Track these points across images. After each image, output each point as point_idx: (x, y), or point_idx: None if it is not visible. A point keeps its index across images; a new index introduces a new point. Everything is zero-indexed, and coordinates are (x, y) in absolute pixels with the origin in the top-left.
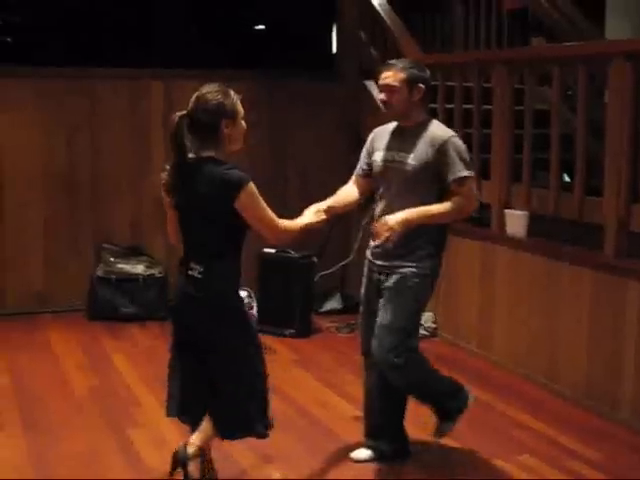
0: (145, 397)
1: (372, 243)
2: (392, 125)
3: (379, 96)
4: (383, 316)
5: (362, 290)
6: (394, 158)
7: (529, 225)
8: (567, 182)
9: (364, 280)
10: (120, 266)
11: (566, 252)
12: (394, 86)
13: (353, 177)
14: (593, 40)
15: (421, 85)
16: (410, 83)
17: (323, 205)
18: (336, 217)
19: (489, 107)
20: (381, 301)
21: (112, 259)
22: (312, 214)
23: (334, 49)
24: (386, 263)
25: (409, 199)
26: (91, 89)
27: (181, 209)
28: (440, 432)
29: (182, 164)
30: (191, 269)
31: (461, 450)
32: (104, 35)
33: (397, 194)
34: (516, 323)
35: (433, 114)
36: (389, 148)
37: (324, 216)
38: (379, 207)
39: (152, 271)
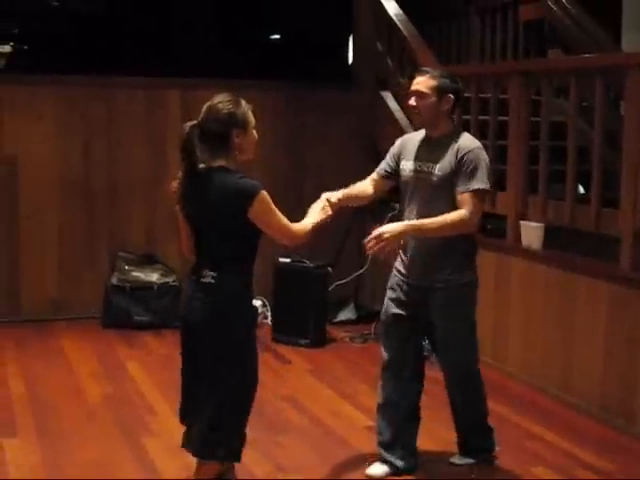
0: (159, 405)
1: (402, 257)
2: (420, 134)
3: (409, 101)
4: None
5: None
6: (421, 168)
7: (544, 237)
8: (582, 194)
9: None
10: (135, 274)
11: (582, 264)
12: (423, 92)
13: (372, 175)
14: (609, 52)
15: (451, 95)
16: (440, 92)
17: (333, 197)
18: (350, 220)
19: (505, 118)
20: (436, 317)
21: (127, 267)
22: (319, 211)
23: (350, 59)
24: (426, 279)
25: (434, 209)
26: (108, 97)
27: (193, 218)
28: (458, 462)
29: (193, 174)
30: (203, 276)
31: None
32: (122, 43)
33: (423, 204)
34: (531, 335)
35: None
36: (417, 158)
37: (330, 212)
38: (405, 216)
39: (166, 279)
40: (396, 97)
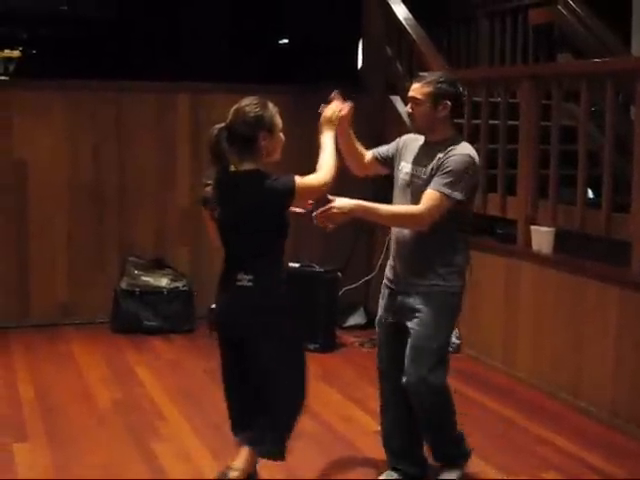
0: (169, 411)
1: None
2: (422, 138)
3: (406, 108)
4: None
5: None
6: (416, 173)
7: (555, 241)
8: (592, 198)
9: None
10: (144, 279)
11: (592, 269)
12: (418, 99)
13: (368, 152)
14: (619, 56)
15: (447, 102)
16: (435, 98)
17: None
18: (359, 225)
19: (515, 123)
20: (410, 323)
21: (136, 272)
22: (328, 130)
23: (360, 63)
24: (409, 284)
25: None
26: (118, 101)
27: (225, 221)
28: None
29: (225, 177)
30: (239, 280)
31: (485, 466)
32: (131, 48)
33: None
34: (541, 339)
35: (459, 130)
36: (414, 162)
37: (335, 125)
38: None
39: (176, 284)
40: (405, 101)
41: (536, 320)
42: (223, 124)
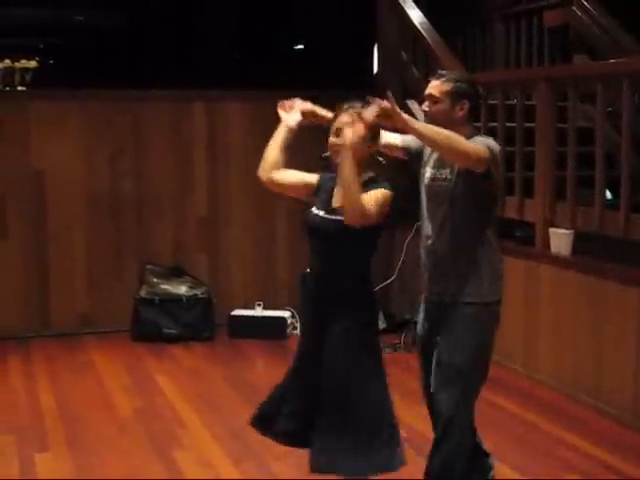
0: (189, 418)
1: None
2: None
3: (422, 106)
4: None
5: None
6: (436, 176)
7: (573, 243)
8: (610, 200)
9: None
10: (163, 287)
11: (612, 270)
12: (436, 97)
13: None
14: (635, 56)
15: (466, 101)
16: (454, 97)
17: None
18: None
19: (532, 125)
20: (439, 338)
21: (155, 280)
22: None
23: (375, 68)
24: (444, 293)
25: (455, 215)
26: (134, 111)
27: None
28: None
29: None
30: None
31: (506, 469)
32: (146, 57)
33: (442, 210)
34: (561, 342)
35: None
36: (434, 166)
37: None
38: (425, 225)
39: (195, 291)
40: (421, 100)
41: (556, 323)
42: None
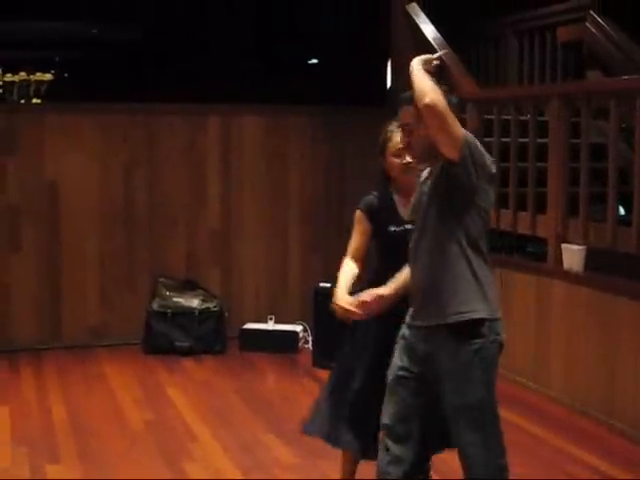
0: (201, 431)
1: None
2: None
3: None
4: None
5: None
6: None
7: (586, 259)
8: (622, 215)
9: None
10: (176, 300)
11: (624, 286)
12: (409, 123)
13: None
14: None
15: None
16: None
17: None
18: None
19: (545, 141)
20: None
21: (168, 293)
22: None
23: (389, 84)
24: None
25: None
26: (148, 124)
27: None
28: None
29: None
30: None
31: None
32: (161, 70)
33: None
34: (573, 358)
35: (488, 148)
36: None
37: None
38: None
39: (207, 305)
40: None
41: (568, 338)
42: None
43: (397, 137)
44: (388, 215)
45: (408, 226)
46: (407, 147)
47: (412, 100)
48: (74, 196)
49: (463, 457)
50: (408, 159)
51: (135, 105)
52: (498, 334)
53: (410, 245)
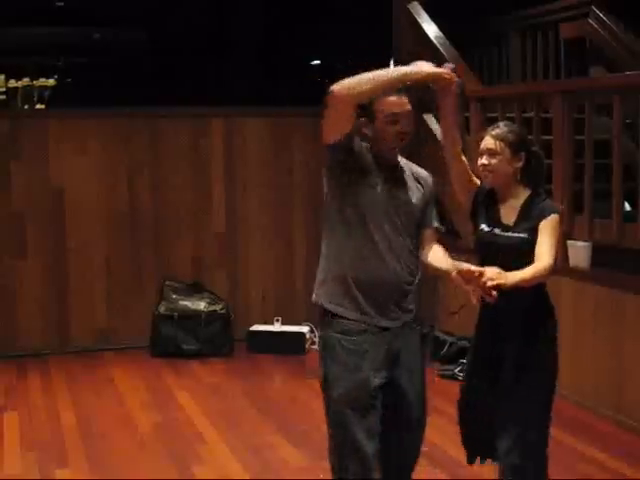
0: (209, 434)
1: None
2: None
3: (480, 160)
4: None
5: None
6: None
7: (592, 255)
8: (627, 211)
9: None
10: (182, 303)
11: (631, 283)
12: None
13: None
14: None
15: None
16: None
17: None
18: None
19: (549, 137)
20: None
21: (174, 296)
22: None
23: None
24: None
25: None
26: (152, 128)
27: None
28: None
29: None
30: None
31: None
32: (164, 74)
33: None
34: (581, 355)
35: None
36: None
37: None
38: None
39: (214, 307)
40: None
41: (575, 336)
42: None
43: (488, 139)
44: (482, 211)
45: (516, 234)
46: (487, 167)
47: (497, 128)
48: (79, 201)
49: None
50: (484, 161)
51: (138, 109)
52: None
53: None
